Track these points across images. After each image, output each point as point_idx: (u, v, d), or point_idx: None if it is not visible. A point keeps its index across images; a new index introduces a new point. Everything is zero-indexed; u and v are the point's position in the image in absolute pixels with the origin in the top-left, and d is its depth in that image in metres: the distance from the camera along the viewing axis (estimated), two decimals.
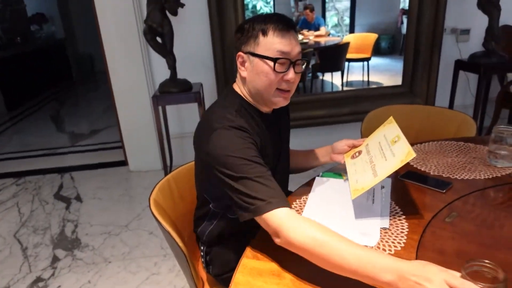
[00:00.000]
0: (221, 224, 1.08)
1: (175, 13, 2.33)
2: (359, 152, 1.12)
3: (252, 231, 0.95)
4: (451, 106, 2.93)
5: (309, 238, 0.75)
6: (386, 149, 1.01)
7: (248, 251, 0.89)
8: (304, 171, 1.31)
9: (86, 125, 4.29)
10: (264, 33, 0.93)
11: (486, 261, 0.66)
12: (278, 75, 0.95)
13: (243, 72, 0.99)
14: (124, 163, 3.06)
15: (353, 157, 1.13)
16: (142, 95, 2.73)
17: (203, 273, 1.22)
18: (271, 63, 0.94)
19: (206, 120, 0.98)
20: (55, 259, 2.00)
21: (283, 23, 0.94)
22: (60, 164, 3.22)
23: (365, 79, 4.80)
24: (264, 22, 0.94)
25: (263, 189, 0.84)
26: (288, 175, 1.24)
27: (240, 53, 0.98)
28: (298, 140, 2.95)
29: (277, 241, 0.82)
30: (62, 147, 3.66)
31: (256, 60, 0.95)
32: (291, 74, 0.96)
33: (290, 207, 0.84)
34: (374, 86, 4.46)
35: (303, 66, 0.99)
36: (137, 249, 2.03)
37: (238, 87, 1.04)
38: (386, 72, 5.35)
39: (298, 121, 2.90)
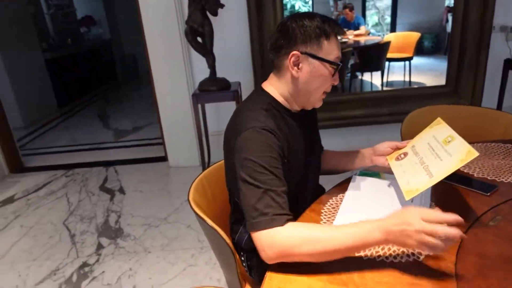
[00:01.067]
0: None
1: (215, 14, 2.39)
2: (405, 154, 1.07)
3: None
4: (499, 107, 2.78)
5: (304, 242, 0.77)
6: (438, 150, 0.96)
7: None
8: (339, 173, 1.27)
9: (129, 122, 4.49)
10: (328, 37, 0.93)
11: None
12: (331, 79, 0.98)
13: (296, 73, 0.96)
14: (164, 158, 3.18)
15: (397, 159, 1.08)
16: (182, 94, 2.82)
17: (243, 271, 1.22)
18: (331, 69, 0.95)
19: (236, 119, 0.98)
20: (100, 246, 2.13)
21: (341, 28, 0.96)
22: (105, 158, 3.40)
23: (407, 79, 4.65)
24: (326, 24, 0.93)
25: (270, 204, 0.82)
26: (319, 172, 1.23)
27: (296, 52, 0.93)
28: (335, 140, 2.93)
29: (266, 256, 0.81)
30: (107, 142, 3.87)
31: (318, 63, 0.94)
32: (338, 79, 1.00)
33: (289, 220, 0.82)
34: (415, 86, 4.31)
35: None
36: (176, 241, 2.11)
37: (270, 86, 1.03)
38: (429, 72, 5.15)
39: (335, 121, 2.88)
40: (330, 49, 0.94)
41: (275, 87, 1.02)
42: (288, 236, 0.79)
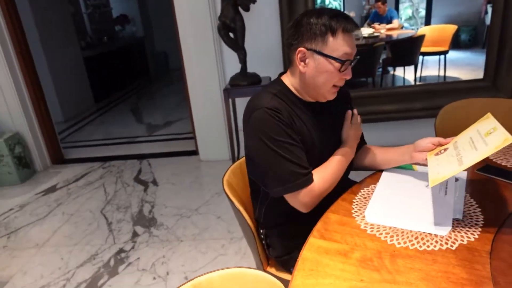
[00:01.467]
0: (273, 205, 1.12)
1: (247, 9, 2.43)
2: (445, 150, 1.02)
3: (303, 214, 1.03)
4: None
5: (326, 183, 1.04)
6: (477, 141, 0.92)
7: (315, 231, 0.93)
8: (378, 170, 1.21)
9: (161, 117, 4.63)
10: (334, 33, 0.95)
11: None
12: (339, 74, 1.00)
13: (303, 68, 1.01)
14: (195, 152, 3.26)
15: (437, 154, 1.03)
16: (213, 89, 2.88)
17: (263, 255, 1.28)
18: (337, 64, 0.98)
19: (249, 103, 1.06)
20: (135, 234, 2.23)
21: (351, 23, 0.97)
22: (139, 151, 3.53)
23: (441, 74, 4.51)
24: (333, 20, 0.95)
25: (291, 168, 0.98)
26: (349, 166, 1.23)
27: (302, 49, 0.99)
28: (369, 135, 2.89)
29: (306, 208, 1.02)
30: (140, 136, 4.01)
31: (322, 59, 0.98)
32: (350, 73, 1.02)
33: (310, 173, 1.01)
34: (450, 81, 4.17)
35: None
36: (206, 232, 2.18)
37: (287, 78, 1.09)
38: (466, 67, 4.97)
39: (367, 116, 2.84)
40: (336, 46, 0.96)
41: (289, 80, 1.08)
42: (320, 186, 1.02)
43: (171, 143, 3.73)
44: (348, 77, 1.02)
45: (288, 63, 1.09)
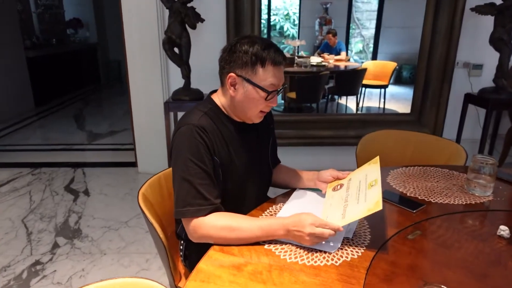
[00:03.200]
0: None
1: (194, 27, 2.48)
2: (341, 186, 1.13)
3: None
4: (458, 138, 2.93)
5: (221, 231, 0.96)
6: (362, 192, 1.02)
7: (216, 244, 0.96)
8: (285, 189, 1.32)
9: (105, 126, 4.49)
10: (263, 64, 1.01)
11: (442, 286, 0.73)
12: (266, 102, 1.06)
13: (233, 92, 1.05)
14: (134, 164, 3.19)
15: (334, 189, 1.14)
16: (156, 101, 2.87)
17: (182, 269, 1.28)
18: (264, 94, 1.04)
19: (180, 119, 1.10)
20: (55, 246, 2.11)
21: (280, 56, 1.03)
22: (75, 160, 3.39)
23: (381, 105, 4.83)
24: (263, 51, 1.00)
25: (191, 193, 0.98)
26: (268, 182, 1.29)
27: (233, 74, 1.03)
28: (302, 158, 3.03)
29: (191, 236, 1.01)
30: (79, 144, 3.85)
31: (250, 87, 1.03)
32: (276, 101, 1.09)
33: (216, 210, 0.99)
34: (388, 113, 4.48)
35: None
36: (133, 245, 2.12)
37: (217, 97, 1.13)
38: (404, 101, 5.34)
39: (305, 139, 2.97)
40: (264, 76, 1.02)
41: (220, 99, 1.13)
42: (209, 225, 0.97)
43: (111, 153, 3.62)
44: (274, 104, 1.09)
45: (220, 83, 1.13)
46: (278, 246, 0.95)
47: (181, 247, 1.24)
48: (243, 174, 1.13)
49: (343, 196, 1.07)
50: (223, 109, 1.12)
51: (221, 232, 0.95)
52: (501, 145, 3.02)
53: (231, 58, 1.03)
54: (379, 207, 0.90)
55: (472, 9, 2.62)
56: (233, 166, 1.10)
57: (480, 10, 2.58)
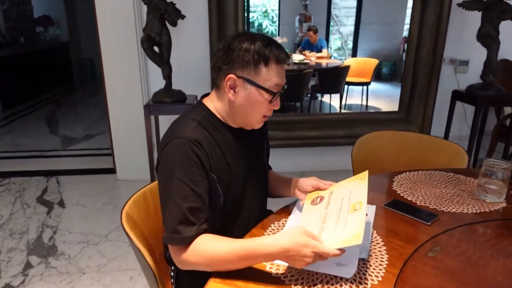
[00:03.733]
0: None
1: (174, 24, 2.32)
2: (321, 199, 1.01)
3: None
4: (446, 136, 2.90)
5: (205, 260, 0.83)
6: (343, 214, 0.89)
7: (217, 274, 0.83)
8: (274, 198, 1.22)
9: (80, 130, 4.25)
10: (266, 63, 0.90)
11: None
12: (269, 105, 0.94)
13: (232, 96, 0.93)
14: (112, 170, 3.01)
15: (313, 201, 1.02)
16: (135, 103, 2.70)
17: None
18: (268, 96, 0.92)
19: (170, 128, 0.96)
20: (28, 266, 1.92)
21: (283, 54, 0.92)
22: (48, 167, 3.16)
23: (364, 103, 4.80)
24: (267, 49, 0.89)
25: (178, 218, 0.85)
26: (266, 192, 1.18)
27: (233, 76, 0.91)
28: (288, 161, 2.93)
29: (177, 264, 0.88)
30: (52, 150, 3.61)
31: (253, 89, 0.91)
32: (279, 104, 0.97)
33: (202, 232, 0.85)
34: (372, 110, 4.46)
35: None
36: (114, 261, 1.96)
37: (210, 102, 1.00)
38: (385, 98, 5.36)
39: (292, 141, 2.87)
40: (269, 76, 0.91)
41: (214, 104, 1.00)
42: (194, 256, 0.83)
43: (88, 159, 3.41)
44: (277, 107, 0.97)
45: (214, 87, 1.00)
46: (287, 273, 0.84)
47: (171, 273, 1.10)
48: (242, 184, 1.01)
49: (322, 215, 0.93)
50: (218, 116, 0.99)
51: (209, 266, 0.83)
52: (488, 141, 3.01)
53: (230, 58, 0.90)
54: (358, 241, 0.76)
55: (459, 5, 2.58)
56: (231, 177, 0.98)
57: (467, 5, 2.54)
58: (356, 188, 0.96)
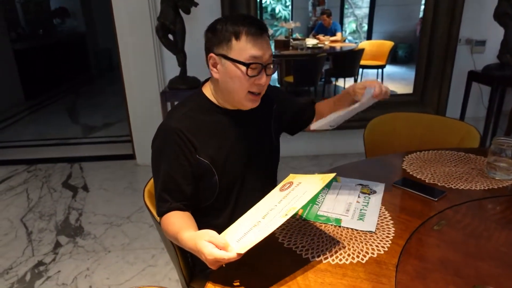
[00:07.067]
0: (197, 218, 1.03)
1: (188, 12, 2.37)
2: (290, 184, 0.91)
3: (223, 224, 0.97)
4: (462, 117, 2.88)
5: (164, 231, 0.98)
6: (277, 214, 0.81)
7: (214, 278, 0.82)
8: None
9: (100, 118, 4.38)
10: (237, 37, 0.92)
11: None
12: (251, 79, 0.95)
13: (215, 74, 0.98)
14: (132, 156, 3.12)
15: (283, 187, 0.91)
16: (152, 91, 2.77)
17: (186, 271, 1.23)
18: (244, 68, 0.93)
19: (168, 112, 1.07)
20: (58, 245, 2.05)
21: (255, 26, 0.93)
22: (71, 154, 3.30)
23: None
24: (237, 25, 0.93)
25: (160, 198, 1.00)
26: (274, 169, 1.22)
27: (212, 54, 0.96)
28: (301, 143, 2.96)
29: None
30: (74, 138, 3.75)
31: (228, 63, 0.94)
32: (263, 78, 0.97)
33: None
34: None
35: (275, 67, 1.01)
36: (137, 241, 2.07)
37: (208, 87, 1.05)
38: (401, 81, 5.29)
39: None
40: (241, 49, 0.93)
41: (209, 87, 1.05)
42: (162, 225, 0.99)
43: (108, 146, 3.53)
44: (262, 82, 0.96)
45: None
46: (298, 243, 0.90)
47: (188, 253, 1.16)
48: (241, 167, 1.06)
49: (268, 208, 0.85)
50: (214, 100, 1.03)
51: (165, 231, 0.99)
52: (505, 122, 2.97)
53: (210, 38, 0.97)
54: (241, 252, 0.74)
55: None
56: (227, 158, 1.02)
57: None
58: (309, 190, 0.86)
